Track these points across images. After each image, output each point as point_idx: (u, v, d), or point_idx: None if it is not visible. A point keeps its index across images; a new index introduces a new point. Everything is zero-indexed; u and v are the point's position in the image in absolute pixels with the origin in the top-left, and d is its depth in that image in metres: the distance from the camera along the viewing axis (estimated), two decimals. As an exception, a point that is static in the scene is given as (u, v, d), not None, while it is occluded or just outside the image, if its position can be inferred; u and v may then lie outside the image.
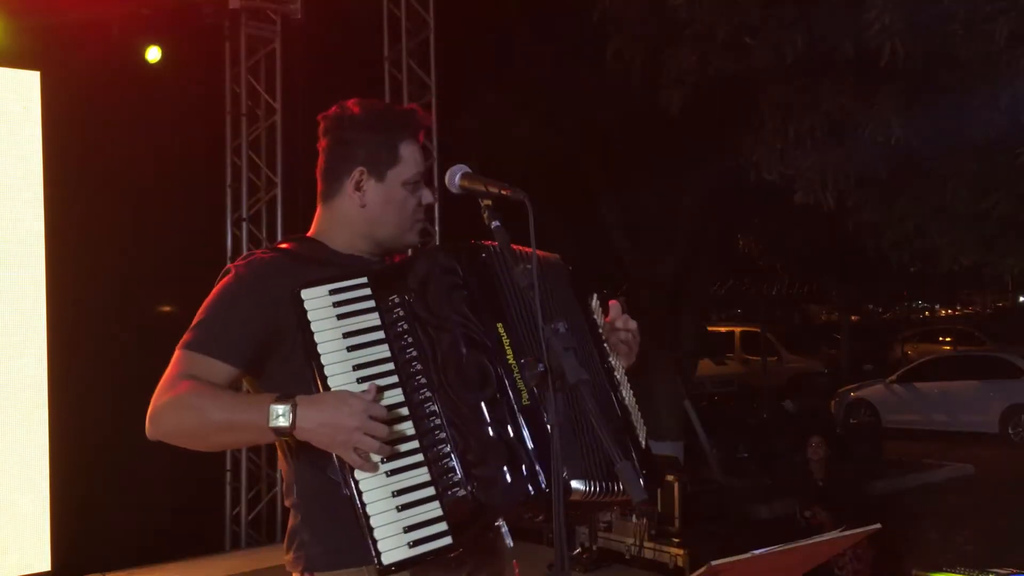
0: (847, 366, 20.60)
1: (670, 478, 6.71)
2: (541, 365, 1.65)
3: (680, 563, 6.36)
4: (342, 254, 2.02)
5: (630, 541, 6.64)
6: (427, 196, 2.06)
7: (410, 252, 2.16)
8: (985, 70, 5.64)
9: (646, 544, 6.59)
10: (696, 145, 8.38)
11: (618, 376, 2.04)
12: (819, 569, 2.12)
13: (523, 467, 1.74)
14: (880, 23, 5.33)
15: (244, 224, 7.35)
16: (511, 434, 1.76)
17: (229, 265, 1.98)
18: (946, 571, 3.81)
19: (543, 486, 1.71)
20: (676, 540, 6.54)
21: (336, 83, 6.72)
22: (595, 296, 2.11)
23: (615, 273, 9.90)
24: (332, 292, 1.81)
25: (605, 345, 2.05)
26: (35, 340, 5.82)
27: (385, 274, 1.89)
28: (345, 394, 1.74)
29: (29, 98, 5.83)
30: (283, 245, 2.06)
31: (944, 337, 23.07)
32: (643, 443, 1.98)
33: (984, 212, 6.24)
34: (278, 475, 7.33)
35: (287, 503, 1.99)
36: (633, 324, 2.11)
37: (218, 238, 7.30)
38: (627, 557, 6.68)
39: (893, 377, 14.89)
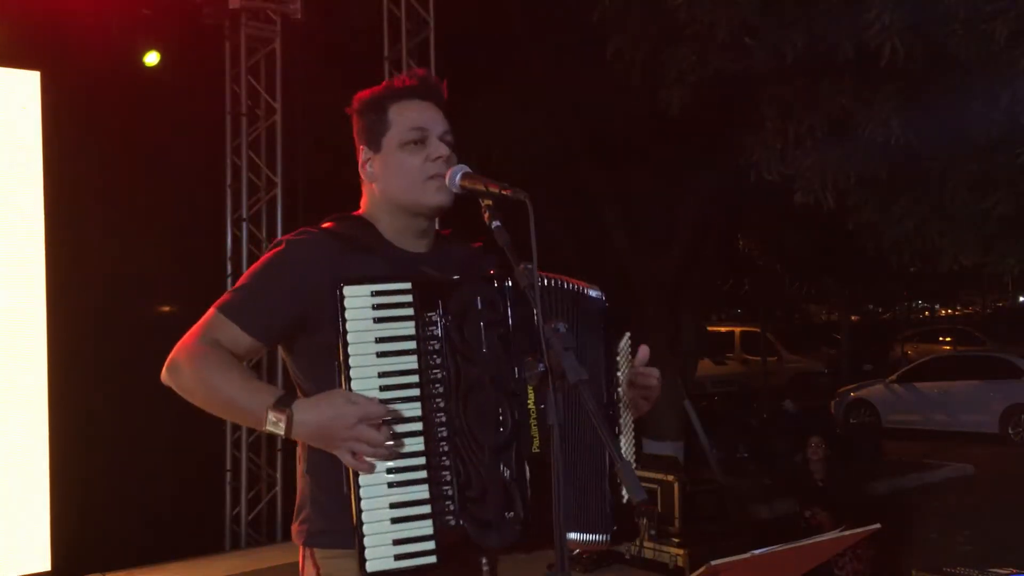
0: (847, 366, 20.60)
1: (670, 478, 6.71)
2: (541, 365, 1.66)
3: (680, 563, 6.36)
4: (389, 243, 2.01)
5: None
6: (436, 149, 1.98)
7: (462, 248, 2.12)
8: (985, 70, 5.64)
9: (646, 544, 6.59)
10: (696, 145, 8.37)
11: (620, 424, 2.02)
12: (819, 569, 2.12)
13: (517, 515, 1.79)
14: (880, 23, 5.33)
15: (244, 224, 7.35)
16: (514, 481, 1.80)
17: (281, 237, 2.02)
18: (946, 571, 3.82)
19: (529, 536, 1.78)
20: (676, 540, 6.53)
21: (336, 83, 6.71)
22: (626, 336, 2.07)
23: (615, 273, 9.89)
24: (375, 294, 1.78)
25: (619, 390, 2.03)
26: (35, 340, 5.82)
27: (429, 285, 1.85)
28: (341, 401, 1.74)
29: (29, 98, 5.83)
30: (329, 225, 2.02)
31: (944, 337, 23.11)
32: (625, 497, 1.96)
33: (984, 212, 6.23)
34: (278, 475, 7.34)
35: (299, 470, 2.01)
36: (655, 380, 2.06)
37: (218, 238, 7.30)
38: (627, 557, 6.68)
39: (893, 377, 14.90)
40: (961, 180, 6.25)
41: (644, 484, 2.24)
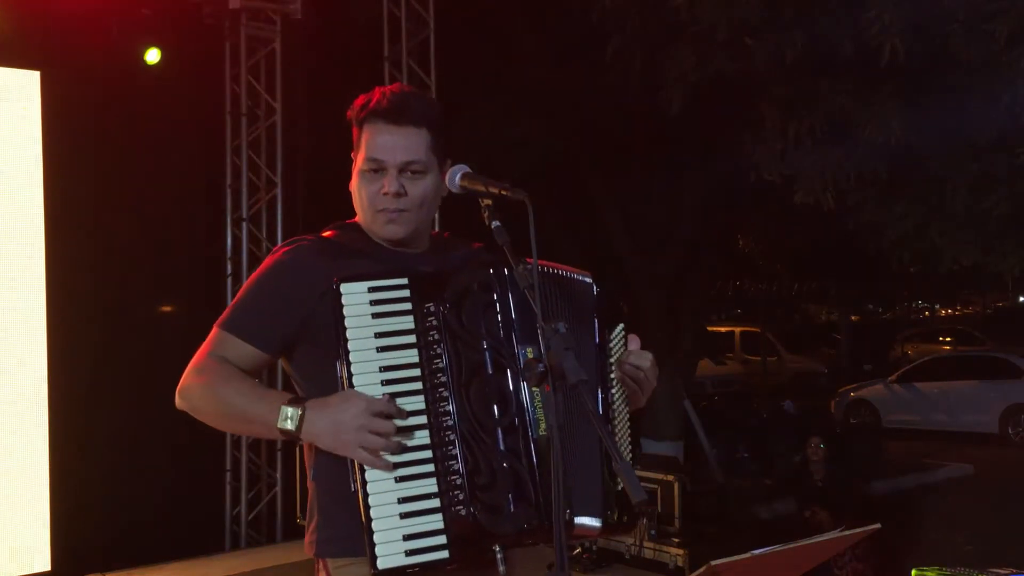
0: (847, 366, 20.60)
1: (670, 478, 6.71)
2: (541, 365, 1.65)
3: (680, 563, 6.36)
4: (385, 247, 1.98)
5: (630, 541, 6.64)
6: (389, 184, 1.92)
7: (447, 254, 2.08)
8: (985, 70, 5.65)
9: (646, 544, 6.59)
10: (696, 145, 8.37)
11: (615, 408, 2.00)
12: (819, 569, 2.13)
13: (528, 499, 1.76)
14: (880, 23, 5.34)
15: (244, 224, 7.35)
16: (522, 464, 1.77)
17: (278, 246, 2.01)
18: (946, 568, 3.81)
19: (544, 520, 1.74)
20: (676, 540, 6.53)
21: (336, 83, 6.72)
22: (621, 326, 2.05)
23: (615, 273, 9.89)
24: (371, 290, 1.79)
25: (612, 376, 2.00)
26: (35, 340, 5.82)
27: (426, 279, 1.85)
28: (349, 393, 1.75)
29: (29, 98, 5.83)
30: (328, 233, 2.01)
31: (944, 337, 23.11)
32: (620, 486, 1.91)
33: (984, 212, 6.24)
34: (278, 475, 7.34)
35: (308, 477, 2.00)
36: (648, 363, 2.01)
37: (218, 238, 7.30)
38: (627, 557, 6.68)
39: (893, 377, 14.89)
40: (961, 180, 6.26)
41: (644, 484, 2.23)
